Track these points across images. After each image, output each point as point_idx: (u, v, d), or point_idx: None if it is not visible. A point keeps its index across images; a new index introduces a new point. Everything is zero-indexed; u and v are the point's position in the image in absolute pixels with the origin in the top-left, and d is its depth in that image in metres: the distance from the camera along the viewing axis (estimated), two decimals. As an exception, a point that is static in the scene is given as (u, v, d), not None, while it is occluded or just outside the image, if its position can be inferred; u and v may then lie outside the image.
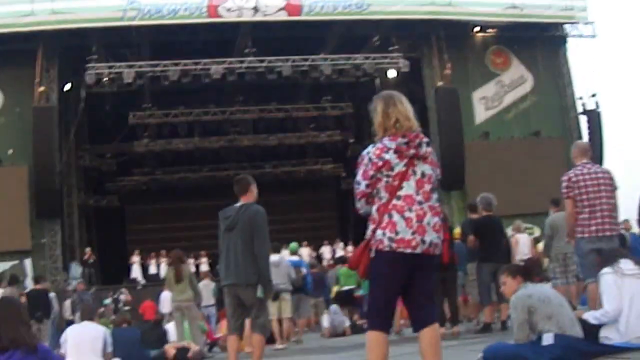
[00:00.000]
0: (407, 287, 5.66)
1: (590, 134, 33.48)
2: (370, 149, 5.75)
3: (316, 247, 34.02)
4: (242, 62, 30.77)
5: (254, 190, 9.40)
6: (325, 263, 29.50)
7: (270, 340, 13.15)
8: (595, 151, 27.99)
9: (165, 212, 38.70)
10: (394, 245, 5.49)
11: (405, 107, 5.79)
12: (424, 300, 5.69)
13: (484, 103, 33.68)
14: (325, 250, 33.68)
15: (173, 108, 35.42)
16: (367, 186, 5.67)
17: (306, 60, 31.36)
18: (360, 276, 5.86)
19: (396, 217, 5.52)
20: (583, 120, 34.51)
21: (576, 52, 79.49)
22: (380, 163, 5.61)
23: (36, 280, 21.34)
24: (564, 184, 9.72)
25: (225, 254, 9.15)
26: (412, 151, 5.61)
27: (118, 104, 34.00)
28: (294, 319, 17.13)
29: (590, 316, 7.53)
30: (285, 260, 16.67)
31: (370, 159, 5.66)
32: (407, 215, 5.51)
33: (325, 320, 19.46)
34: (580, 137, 32.19)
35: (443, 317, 13.19)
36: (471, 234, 13.73)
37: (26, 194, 29.18)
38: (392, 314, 5.78)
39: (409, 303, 5.79)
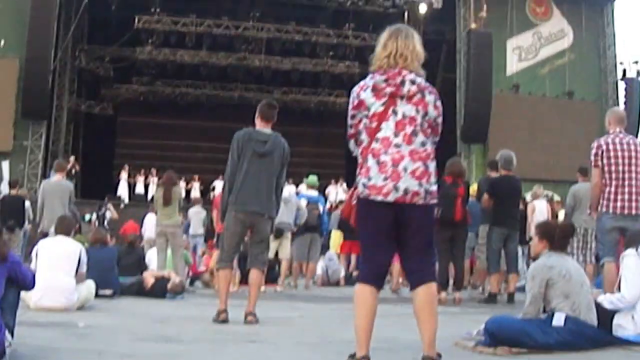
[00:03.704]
0: (398, 241, 5.51)
1: (626, 102, 33.17)
2: (355, 86, 5.65)
3: (320, 186, 33.73)
4: (263, -26, 30.46)
5: None
6: (328, 205, 29.22)
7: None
8: (631, 122, 27.75)
9: (160, 128, 38.54)
10: (366, 192, 5.40)
11: (408, 43, 5.56)
12: (414, 254, 5.51)
13: (518, 53, 33.36)
14: (332, 191, 33.26)
15: (183, 16, 35.15)
16: (351, 127, 5.60)
17: (333, -19, 31.04)
18: (353, 225, 5.75)
19: (371, 161, 5.40)
20: (621, 87, 34.23)
21: (623, 13, 78.63)
22: (356, 102, 5.54)
23: (12, 184, 20.74)
24: (593, 151, 9.40)
25: (246, 179, 8.93)
26: (389, 89, 5.43)
27: (124, 5, 33.56)
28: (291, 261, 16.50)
29: (606, 300, 7.38)
30: (294, 196, 16.34)
31: (352, 98, 5.59)
32: (382, 159, 5.37)
33: (319, 267, 18.50)
34: (616, 104, 31.90)
35: (446, 281, 12.76)
36: (486, 193, 13.50)
37: (14, 90, 28.99)
38: (382, 267, 5.60)
39: (401, 258, 5.69)
